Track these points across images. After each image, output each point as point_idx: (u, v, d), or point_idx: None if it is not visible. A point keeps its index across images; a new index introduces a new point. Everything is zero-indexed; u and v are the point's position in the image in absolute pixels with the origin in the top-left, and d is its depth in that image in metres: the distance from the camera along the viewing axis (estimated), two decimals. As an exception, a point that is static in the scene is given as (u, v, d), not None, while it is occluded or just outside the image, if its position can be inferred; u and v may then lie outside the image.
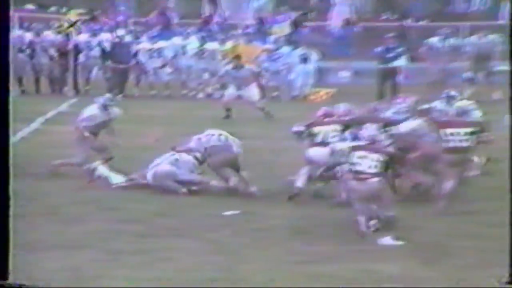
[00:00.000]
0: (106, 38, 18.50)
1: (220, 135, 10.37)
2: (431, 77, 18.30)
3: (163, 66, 18.53)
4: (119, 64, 18.12)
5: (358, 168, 8.39)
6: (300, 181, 9.85)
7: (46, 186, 10.38)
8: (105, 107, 10.87)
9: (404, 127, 10.05)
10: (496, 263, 7.01)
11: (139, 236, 8.45)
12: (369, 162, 8.38)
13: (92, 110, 11.01)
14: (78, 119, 11.01)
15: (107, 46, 18.19)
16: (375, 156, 8.43)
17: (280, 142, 11.43)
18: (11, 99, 6.27)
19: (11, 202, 6.02)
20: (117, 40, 18.29)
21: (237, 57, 16.25)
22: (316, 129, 10.03)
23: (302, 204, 9.73)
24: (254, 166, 11.15)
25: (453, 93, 11.09)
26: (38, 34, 18.39)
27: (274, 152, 12.10)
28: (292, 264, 7.61)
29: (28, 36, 18.46)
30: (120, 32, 18.68)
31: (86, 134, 10.79)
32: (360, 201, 8.42)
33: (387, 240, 8.23)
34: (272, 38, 19.29)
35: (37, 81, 18.43)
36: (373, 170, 8.36)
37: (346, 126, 9.90)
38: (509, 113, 8.41)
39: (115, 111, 11.02)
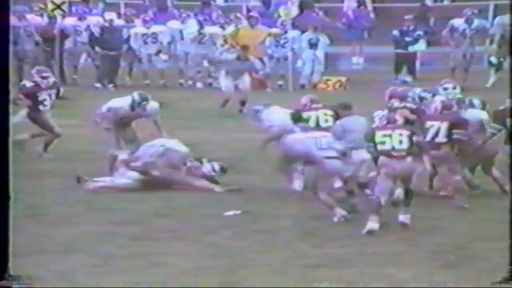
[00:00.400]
0: (95, 22, 18.53)
1: (162, 146, 10.56)
2: (453, 62, 18.34)
3: (158, 52, 18.58)
4: (109, 51, 18.18)
5: (385, 147, 8.89)
6: (297, 183, 10.01)
7: (30, 185, 10.46)
8: (137, 104, 11.03)
9: (470, 114, 10.19)
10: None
11: (132, 239, 8.54)
12: (396, 138, 8.91)
13: (118, 103, 11.18)
14: (100, 109, 11.24)
15: (96, 31, 18.23)
16: (400, 131, 8.94)
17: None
18: (11, 99, 6.35)
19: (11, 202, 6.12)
20: (106, 24, 18.32)
21: (245, 47, 16.19)
22: (305, 115, 10.26)
23: (309, 203, 9.82)
24: (258, 162, 11.24)
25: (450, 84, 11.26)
26: (21, 17, 18.35)
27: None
28: (300, 268, 7.70)
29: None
30: (110, 15, 18.70)
31: (105, 125, 11.07)
32: (393, 179, 8.86)
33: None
34: (277, 21, 19.31)
35: (20, 69, 18.47)
36: (404, 146, 8.86)
37: (335, 112, 10.15)
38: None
39: (151, 106, 11.19)
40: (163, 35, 18.59)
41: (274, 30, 18.84)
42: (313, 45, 18.79)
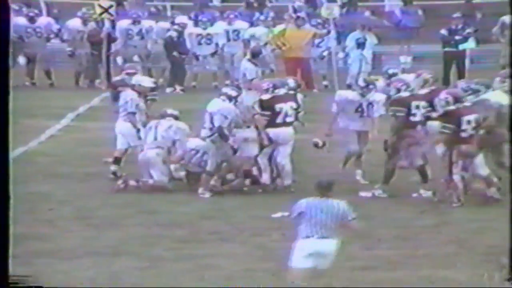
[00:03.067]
0: (164, 27, 18.56)
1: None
2: (503, 60, 18.05)
3: (214, 53, 18.49)
4: (183, 54, 18.18)
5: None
6: (265, 177, 10.23)
7: (78, 188, 10.56)
8: None
9: (494, 97, 10.23)
10: None
11: (180, 241, 8.56)
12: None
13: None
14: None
15: (174, 35, 18.17)
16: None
17: (328, 137, 11.46)
18: (11, 96, 6.40)
19: (11, 203, 6.16)
20: (179, 28, 18.29)
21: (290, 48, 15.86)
22: (277, 106, 10.41)
23: (359, 204, 9.73)
24: (304, 162, 11.18)
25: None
26: (84, 23, 18.50)
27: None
28: (350, 270, 7.64)
29: (73, 23, 18.55)
30: (182, 19, 18.68)
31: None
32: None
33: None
34: (322, 21, 19.15)
35: (78, 74, 18.65)
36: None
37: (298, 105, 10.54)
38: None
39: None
40: (219, 37, 18.49)
41: (320, 31, 18.70)
42: (360, 44, 18.65)
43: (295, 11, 19.94)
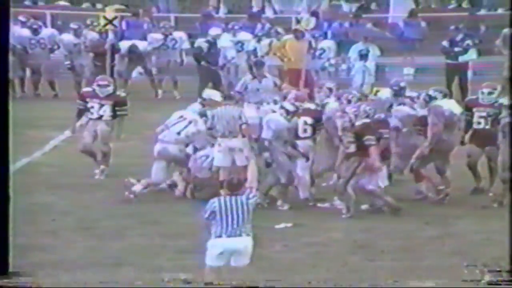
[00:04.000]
0: (157, 37, 18.60)
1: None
2: (506, 72, 18.03)
3: (223, 66, 18.47)
4: (212, 65, 18.15)
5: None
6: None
7: (82, 199, 10.54)
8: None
9: (447, 104, 10.43)
10: None
11: (183, 252, 8.52)
12: None
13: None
14: None
15: (205, 46, 18.19)
16: None
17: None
18: (11, 101, 6.38)
19: (11, 202, 6.15)
20: (211, 40, 18.30)
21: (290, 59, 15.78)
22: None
23: (361, 215, 9.70)
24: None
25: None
26: (78, 35, 18.54)
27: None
28: (352, 281, 7.60)
29: (67, 37, 18.59)
30: (215, 30, 18.67)
31: None
32: None
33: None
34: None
35: (78, 84, 18.65)
36: None
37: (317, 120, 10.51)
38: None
39: None
40: (227, 50, 18.46)
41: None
42: (363, 56, 18.64)
43: (298, 22, 19.93)
